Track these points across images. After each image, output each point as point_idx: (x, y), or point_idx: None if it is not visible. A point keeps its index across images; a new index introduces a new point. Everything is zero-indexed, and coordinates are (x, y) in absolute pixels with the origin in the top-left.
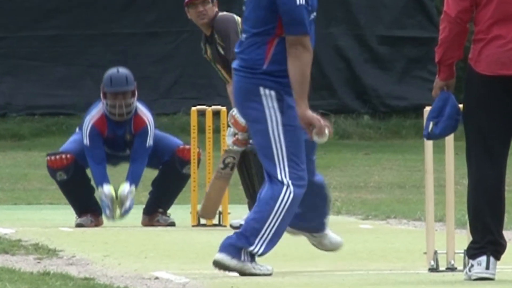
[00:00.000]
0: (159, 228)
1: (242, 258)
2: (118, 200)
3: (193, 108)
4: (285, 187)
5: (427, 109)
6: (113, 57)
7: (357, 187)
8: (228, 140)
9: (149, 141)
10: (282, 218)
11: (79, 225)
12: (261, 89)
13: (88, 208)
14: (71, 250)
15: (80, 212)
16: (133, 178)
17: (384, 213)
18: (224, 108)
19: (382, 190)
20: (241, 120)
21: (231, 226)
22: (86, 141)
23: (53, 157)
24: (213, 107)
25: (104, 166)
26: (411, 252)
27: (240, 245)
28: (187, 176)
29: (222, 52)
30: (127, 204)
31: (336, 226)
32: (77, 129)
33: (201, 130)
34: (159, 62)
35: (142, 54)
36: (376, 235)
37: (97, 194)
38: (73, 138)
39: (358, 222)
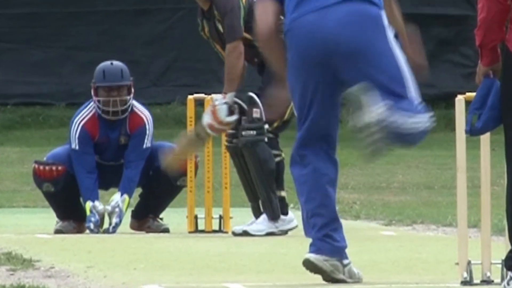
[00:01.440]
0: (151, 234)
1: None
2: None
3: (190, 97)
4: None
5: (459, 98)
6: (97, 38)
7: (378, 187)
8: (205, 118)
9: (147, 143)
10: None
11: (58, 231)
12: (385, 20)
13: (71, 215)
14: (50, 260)
15: (62, 217)
16: (126, 186)
17: (409, 217)
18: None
19: (407, 191)
20: (221, 114)
21: (234, 233)
22: (75, 145)
23: (41, 167)
24: (213, 95)
25: (95, 177)
26: (440, 263)
27: None
28: (182, 188)
29: (221, 29)
30: (113, 220)
31: (355, 232)
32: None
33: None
34: (150, 44)
35: (131, 34)
36: (400, 243)
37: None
38: (63, 147)
39: (379, 228)
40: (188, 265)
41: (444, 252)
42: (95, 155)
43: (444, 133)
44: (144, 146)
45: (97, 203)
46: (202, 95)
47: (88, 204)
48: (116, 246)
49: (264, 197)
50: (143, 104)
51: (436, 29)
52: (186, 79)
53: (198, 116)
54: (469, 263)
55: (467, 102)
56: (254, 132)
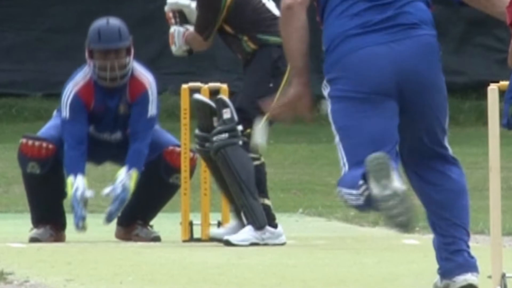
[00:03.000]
0: (139, 244)
1: None
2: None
3: (184, 86)
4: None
5: (493, 86)
6: (78, 20)
7: None
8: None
9: (151, 110)
10: None
11: (34, 240)
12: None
13: (50, 218)
14: (24, 272)
15: (38, 221)
16: (134, 160)
17: None
18: (225, 86)
19: None
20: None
21: (212, 239)
22: (66, 113)
23: (30, 142)
24: (211, 84)
25: (84, 150)
26: None
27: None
28: (176, 187)
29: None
30: (110, 207)
31: (372, 241)
32: (55, 112)
33: (195, 114)
34: (139, 27)
35: (116, 15)
36: (425, 253)
37: (68, 196)
38: (53, 123)
39: (401, 236)
40: (182, 279)
41: None
42: (89, 126)
43: (475, 127)
44: (149, 114)
45: (79, 179)
46: (198, 84)
47: (70, 180)
48: (100, 256)
49: (246, 205)
50: (148, 68)
51: (466, 8)
52: (179, 66)
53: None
54: (503, 276)
55: (502, 92)
56: (227, 135)
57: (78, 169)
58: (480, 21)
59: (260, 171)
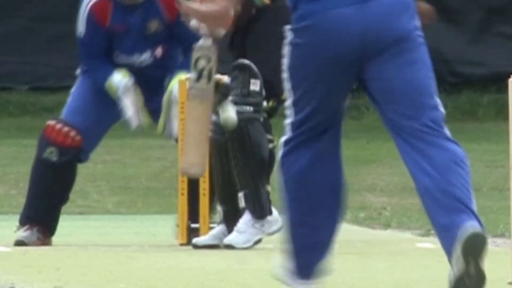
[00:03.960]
0: (133, 247)
1: None
2: (166, 101)
3: (181, 77)
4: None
5: None
6: (67, 8)
7: (413, 190)
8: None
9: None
10: None
11: (19, 243)
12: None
13: (42, 219)
14: (9, 279)
15: (28, 219)
16: (185, 66)
17: None
18: (225, 78)
19: None
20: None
21: (194, 246)
22: (82, 29)
23: (58, 125)
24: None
25: (105, 60)
26: (491, 282)
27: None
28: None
29: None
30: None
31: (384, 245)
32: (78, 72)
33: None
34: None
35: None
36: (440, 257)
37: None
38: (81, 102)
39: (414, 240)
40: (179, 285)
41: (495, 269)
42: (108, 43)
43: (495, 122)
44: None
45: (116, 75)
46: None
47: (109, 83)
48: (90, 261)
49: (252, 189)
50: None
51: None
52: None
53: None
54: None
55: None
56: (251, 109)
57: (111, 70)
58: (500, 9)
59: (272, 155)
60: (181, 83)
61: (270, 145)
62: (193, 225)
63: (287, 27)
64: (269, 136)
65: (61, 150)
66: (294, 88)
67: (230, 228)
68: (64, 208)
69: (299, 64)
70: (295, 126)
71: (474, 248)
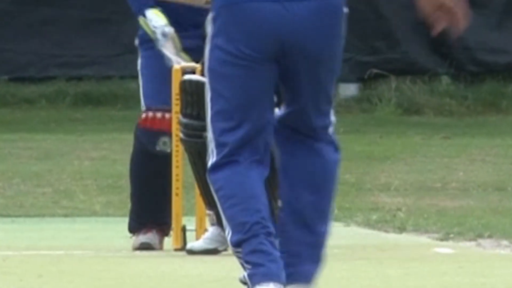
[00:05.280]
0: (123, 253)
1: None
2: None
3: (176, 67)
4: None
5: None
6: None
7: (431, 189)
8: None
9: None
10: None
11: (145, 246)
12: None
13: (158, 220)
14: None
15: (140, 225)
16: None
17: (472, 229)
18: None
19: (469, 194)
20: None
21: (189, 251)
22: None
23: (159, 114)
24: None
25: None
26: None
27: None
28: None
29: None
30: None
31: (399, 249)
32: (136, 43)
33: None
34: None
35: None
36: (461, 263)
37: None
38: (152, 84)
39: (432, 244)
40: None
41: None
42: None
43: None
44: None
45: (151, 11)
46: (191, 64)
47: (142, 19)
48: (76, 268)
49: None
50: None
51: None
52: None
53: None
54: None
55: None
56: None
57: (147, 3)
58: None
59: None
60: (176, 72)
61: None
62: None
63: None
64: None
65: (170, 137)
66: (215, 93)
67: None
68: (46, 210)
69: (219, 62)
70: (219, 146)
71: None
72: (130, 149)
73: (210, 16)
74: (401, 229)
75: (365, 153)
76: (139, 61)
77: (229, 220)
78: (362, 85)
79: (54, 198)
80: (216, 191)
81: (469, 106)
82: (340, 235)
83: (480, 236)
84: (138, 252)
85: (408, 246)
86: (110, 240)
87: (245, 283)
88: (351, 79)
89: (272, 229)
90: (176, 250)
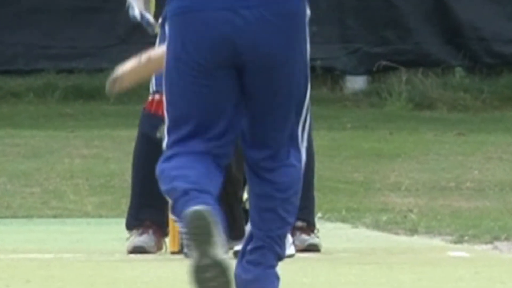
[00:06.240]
0: (117, 256)
1: None
2: None
3: None
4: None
5: None
6: None
7: (444, 189)
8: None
9: None
10: None
11: (138, 249)
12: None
13: (156, 219)
14: None
15: (137, 221)
16: None
17: (489, 231)
18: None
19: (485, 194)
20: None
21: (186, 255)
22: None
23: (157, 97)
24: None
25: None
26: None
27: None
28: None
29: None
30: None
31: (411, 253)
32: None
33: None
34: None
35: None
36: (477, 268)
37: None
38: None
39: (446, 247)
40: None
41: None
42: None
43: None
44: None
45: None
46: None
47: None
48: (67, 272)
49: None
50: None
51: None
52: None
53: None
54: None
55: None
56: None
57: None
58: None
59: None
60: None
61: None
62: None
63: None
64: None
65: None
66: (170, 98)
67: (225, 231)
68: (35, 211)
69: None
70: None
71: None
72: (124, 146)
73: (162, 23)
74: (413, 232)
75: (374, 151)
76: (157, 41)
77: (166, 193)
78: (370, 78)
79: (43, 198)
80: (159, 176)
81: (485, 101)
82: (348, 238)
83: (497, 238)
84: (132, 256)
85: (420, 250)
86: (103, 243)
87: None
88: (359, 72)
89: (208, 199)
90: (172, 253)
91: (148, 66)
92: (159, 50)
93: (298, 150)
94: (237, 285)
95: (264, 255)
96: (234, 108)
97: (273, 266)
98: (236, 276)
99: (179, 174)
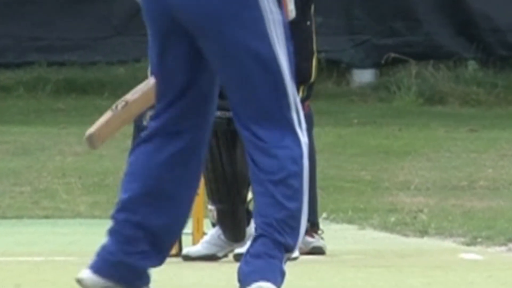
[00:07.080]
0: None
1: None
2: None
3: None
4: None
5: None
6: None
7: (456, 188)
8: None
9: None
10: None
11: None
12: None
13: None
14: None
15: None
16: None
17: (503, 233)
18: None
19: (500, 193)
20: None
21: (185, 257)
22: None
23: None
24: None
25: None
26: None
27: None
28: None
29: None
30: None
31: (421, 255)
32: None
33: None
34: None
35: None
36: (490, 271)
37: None
38: None
39: (458, 249)
40: None
41: None
42: None
43: None
44: None
45: None
46: None
47: None
48: (58, 276)
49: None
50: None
51: None
52: None
53: None
54: None
55: None
56: None
57: None
58: None
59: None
60: None
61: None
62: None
63: None
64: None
65: None
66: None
67: (226, 232)
68: (25, 211)
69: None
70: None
71: None
72: (118, 143)
73: None
74: (423, 233)
75: (382, 148)
76: None
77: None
78: (379, 71)
79: (33, 198)
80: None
81: (499, 95)
82: (355, 239)
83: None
84: None
85: (431, 252)
86: (96, 245)
87: None
88: (367, 64)
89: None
90: (170, 256)
91: (127, 111)
92: (136, 91)
93: (294, 132)
94: (239, 280)
95: (264, 244)
96: (195, 74)
97: (275, 257)
98: (239, 270)
99: (125, 183)
